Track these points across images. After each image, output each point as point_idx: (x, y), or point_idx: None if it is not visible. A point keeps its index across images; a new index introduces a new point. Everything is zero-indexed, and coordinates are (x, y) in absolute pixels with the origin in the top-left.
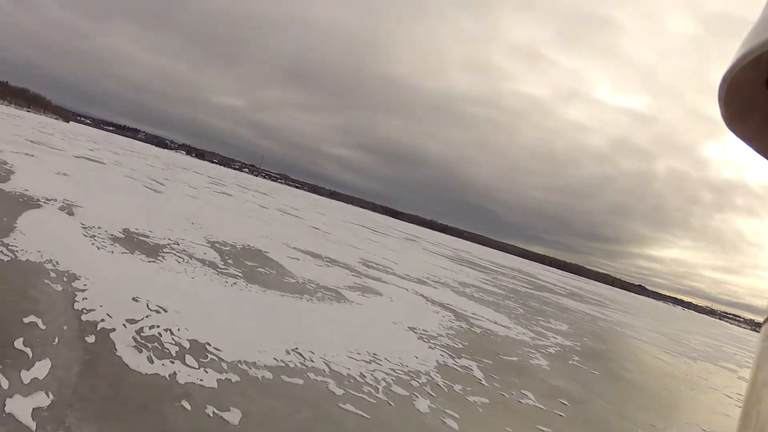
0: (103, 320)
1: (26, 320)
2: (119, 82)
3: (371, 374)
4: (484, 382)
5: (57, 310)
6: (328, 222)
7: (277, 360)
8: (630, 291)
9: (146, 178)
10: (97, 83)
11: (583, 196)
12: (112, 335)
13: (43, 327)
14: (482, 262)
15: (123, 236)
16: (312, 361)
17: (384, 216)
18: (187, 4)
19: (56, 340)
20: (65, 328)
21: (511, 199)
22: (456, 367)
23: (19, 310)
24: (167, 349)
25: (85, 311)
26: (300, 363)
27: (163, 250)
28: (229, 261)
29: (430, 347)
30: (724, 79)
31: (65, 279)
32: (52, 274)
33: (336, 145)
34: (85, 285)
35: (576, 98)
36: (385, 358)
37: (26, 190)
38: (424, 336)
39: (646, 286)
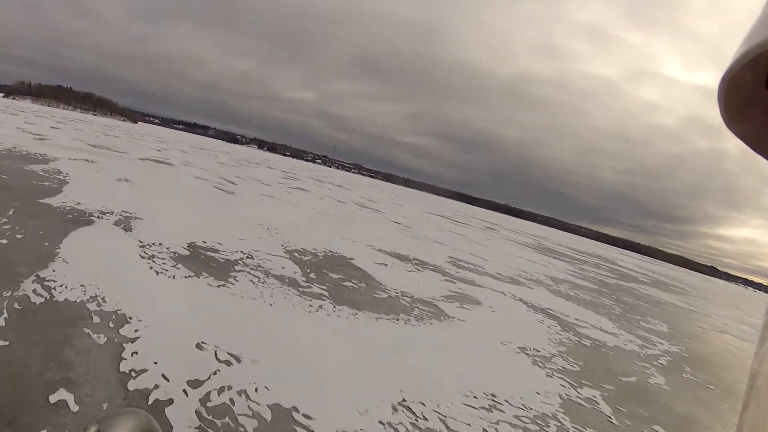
0: (157, 387)
1: (53, 398)
2: (187, 82)
3: (496, 430)
4: (614, 420)
5: (96, 376)
6: (407, 214)
7: (384, 424)
8: (702, 273)
9: (217, 177)
10: (164, 84)
11: (655, 177)
12: (168, 412)
13: (75, 408)
14: (562, 249)
15: (188, 253)
16: (425, 419)
17: (459, 203)
18: (250, 1)
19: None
20: (104, 406)
21: (584, 181)
22: (581, 401)
23: (45, 382)
24: (243, 427)
25: (133, 374)
26: (411, 425)
27: (235, 267)
28: (311, 275)
29: (547, 375)
30: (724, 79)
31: (111, 325)
32: (96, 319)
33: (408, 134)
34: (136, 331)
35: (645, 76)
36: (506, 401)
37: (78, 203)
38: (537, 359)
39: (718, 267)
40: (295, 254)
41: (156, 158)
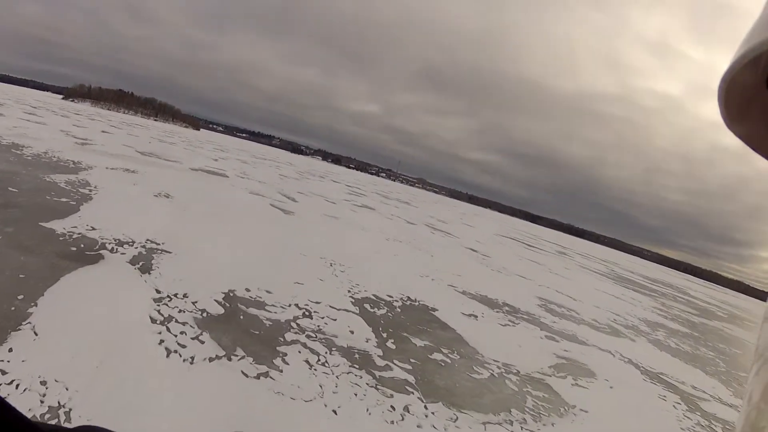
0: None
1: None
2: (251, 91)
3: None
4: None
5: None
6: (480, 238)
7: None
8: (765, 300)
9: (276, 192)
10: (228, 93)
11: (717, 198)
12: None
13: None
14: (635, 278)
15: (221, 311)
16: None
17: (524, 221)
18: (313, 11)
19: None
20: None
21: (646, 201)
22: None
23: None
24: None
25: None
26: None
27: (285, 336)
28: (388, 343)
29: None
30: (724, 79)
31: None
32: None
33: (472, 149)
34: None
35: (708, 93)
36: None
37: (92, 228)
38: None
39: None
40: (366, 306)
41: (210, 169)
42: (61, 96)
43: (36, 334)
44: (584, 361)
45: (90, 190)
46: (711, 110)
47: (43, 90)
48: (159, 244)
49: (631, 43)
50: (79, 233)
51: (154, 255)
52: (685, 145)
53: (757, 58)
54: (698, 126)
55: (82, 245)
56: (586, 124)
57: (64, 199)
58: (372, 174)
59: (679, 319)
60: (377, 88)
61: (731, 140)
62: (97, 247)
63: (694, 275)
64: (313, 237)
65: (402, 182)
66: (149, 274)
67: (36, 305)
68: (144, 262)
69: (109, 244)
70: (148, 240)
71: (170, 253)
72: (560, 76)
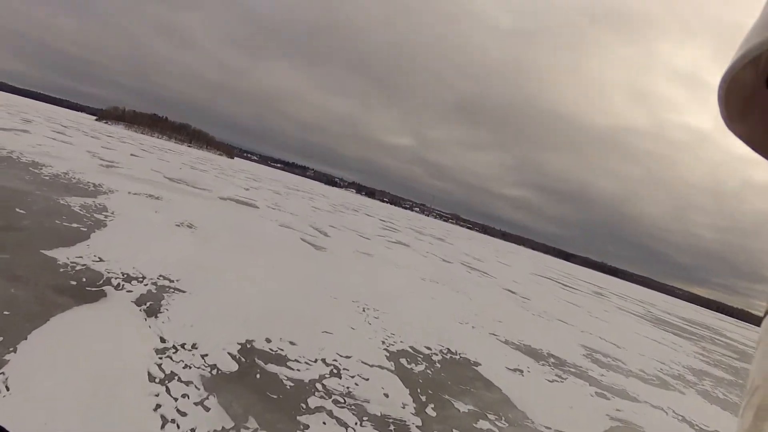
0: None
1: None
2: (288, 120)
3: None
4: None
5: None
6: (516, 276)
7: None
8: None
9: (307, 226)
10: (264, 121)
11: (749, 235)
12: None
13: None
14: (672, 320)
15: (235, 368)
16: None
17: (557, 259)
18: (349, 41)
19: None
20: None
21: (677, 238)
22: None
23: None
24: None
25: None
26: None
27: (308, 401)
28: (428, 409)
29: None
30: (724, 79)
31: None
32: None
33: (505, 184)
34: None
35: None
36: None
37: (99, 259)
38: None
39: None
40: (403, 361)
41: (241, 198)
42: (95, 117)
43: (7, 389)
44: (639, 422)
45: (106, 216)
46: (742, 145)
47: (78, 110)
48: (173, 281)
49: (662, 76)
50: (83, 264)
51: (165, 294)
52: (716, 180)
53: (757, 58)
54: (729, 161)
55: (84, 279)
56: (618, 159)
57: (74, 225)
58: (406, 208)
59: (722, 365)
60: (411, 121)
61: (763, 176)
62: (101, 281)
63: (726, 314)
64: (346, 276)
65: (436, 217)
66: (156, 317)
67: (15, 350)
68: (152, 303)
69: (116, 278)
70: (161, 276)
71: (184, 292)
72: (592, 110)
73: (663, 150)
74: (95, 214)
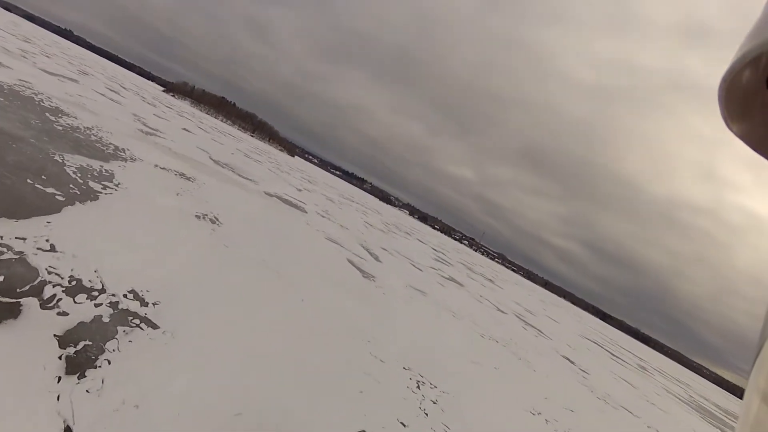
0: None
1: None
2: (355, 132)
3: None
4: None
5: None
6: (568, 338)
7: None
8: None
9: (357, 244)
10: (330, 128)
11: None
12: None
13: None
14: (713, 409)
15: None
16: None
17: (596, 318)
18: (431, 69)
19: None
20: None
21: (714, 319)
22: None
23: None
24: None
25: None
26: None
27: None
28: None
29: None
30: (724, 79)
31: None
32: None
33: (556, 235)
34: None
35: None
36: None
37: (52, 246)
38: None
39: None
40: None
41: (289, 198)
42: (162, 89)
43: None
44: None
45: (104, 187)
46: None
47: (149, 79)
48: (143, 306)
49: (730, 155)
50: (17, 251)
51: (118, 328)
52: (763, 269)
53: (757, 58)
54: None
55: (2, 278)
56: (670, 233)
57: (50, 189)
58: (455, 239)
59: None
60: (476, 156)
61: None
62: (26, 287)
63: None
64: (395, 323)
65: (483, 254)
66: (79, 380)
67: None
68: (87, 344)
69: (54, 286)
70: (129, 292)
71: (151, 327)
72: (655, 179)
73: (717, 230)
74: (91, 182)
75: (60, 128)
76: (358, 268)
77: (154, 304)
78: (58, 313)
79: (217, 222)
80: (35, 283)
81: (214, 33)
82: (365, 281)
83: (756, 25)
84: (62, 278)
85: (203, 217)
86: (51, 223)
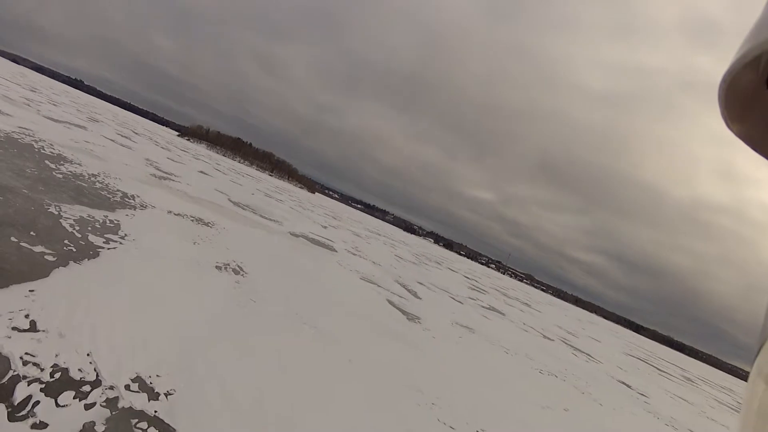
0: None
1: None
2: (372, 162)
3: None
4: None
5: None
6: (617, 359)
7: None
8: None
9: (393, 281)
10: (348, 161)
11: None
12: None
13: None
14: None
15: None
16: None
17: (630, 331)
18: (443, 93)
19: None
20: None
21: (746, 320)
22: None
23: None
24: None
25: None
26: None
27: None
28: None
29: None
30: (724, 79)
31: None
32: None
33: (580, 249)
34: None
35: None
36: None
37: (32, 324)
38: None
39: None
40: None
41: (316, 237)
42: (177, 133)
43: None
44: None
45: (106, 241)
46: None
47: (163, 125)
48: (151, 397)
49: (748, 150)
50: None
51: None
52: None
53: (757, 58)
54: None
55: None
56: (694, 235)
57: (39, 248)
58: (482, 264)
59: None
60: (494, 176)
61: None
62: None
63: None
64: (454, 374)
65: (511, 276)
66: None
67: None
68: None
69: (32, 383)
70: (134, 380)
71: None
72: (674, 182)
73: (740, 228)
74: (91, 236)
75: (60, 176)
76: (401, 310)
77: (167, 395)
78: (33, 426)
79: (241, 272)
80: (4, 381)
81: (225, 72)
82: (411, 325)
83: (756, 25)
84: (42, 370)
85: (225, 268)
86: (34, 291)
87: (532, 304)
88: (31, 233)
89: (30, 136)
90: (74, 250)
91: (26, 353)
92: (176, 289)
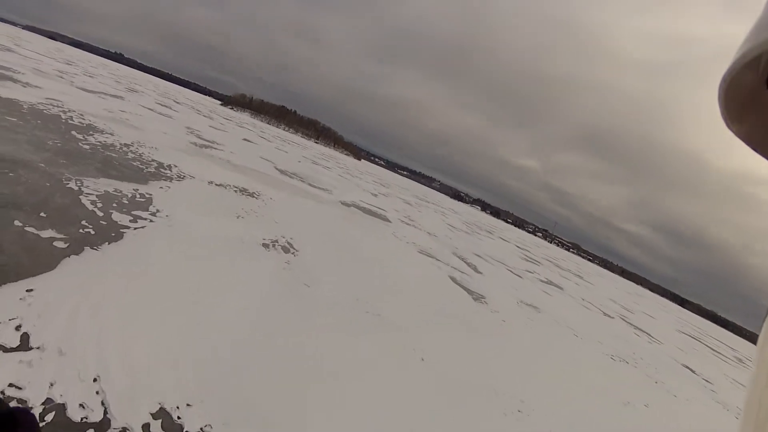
0: None
1: None
2: (417, 130)
3: None
4: None
5: None
6: (674, 339)
7: None
8: None
9: (451, 254)
10: (392, 128)
11: None
12: None
13: None
14: None
15: None
16: None
17: (676, 305)
18: (487, 60)
19: None
20: None
21: None
22: None
23: None
24: None
25: None
26: None
27: None
28: None
29: None
30: (724, 79)
31: None
32: None
33: (626, 219)
34: None
35: None
36: None
37: (21, 336)
38: None
39: None
40: None
41: (368, 206)
42: (220, 102)
43: None
44: None
45: (133, 219)
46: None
47: (206, 95)
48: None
49: None
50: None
51: None
52: None
53: (757, 58)
54: None
55: None
56: (737, 207)
57: (47, 233)
58: (529, 232)
59: None
60: (538, 145)
61: None
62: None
63: None
64: (528, 367)
65: (558, 245)
66: None
67: None
68: None
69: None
70: (155, 415)
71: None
72: (717, 154)
73: None
74: (115, 215)
75: (86, 147)
76: (464, 288)
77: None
78: None
79: (292, 250)
80: None
81: (266, 42)
82: (478, 307)
83: (756, 25)
84: (32, 408)
85: (273, 246)
86: (32, 291)
87: (584, 276)
88: (41, 214)
89: (58, 107)
90: (92, 232)
91: (10, 384)
92: (215, 279)
